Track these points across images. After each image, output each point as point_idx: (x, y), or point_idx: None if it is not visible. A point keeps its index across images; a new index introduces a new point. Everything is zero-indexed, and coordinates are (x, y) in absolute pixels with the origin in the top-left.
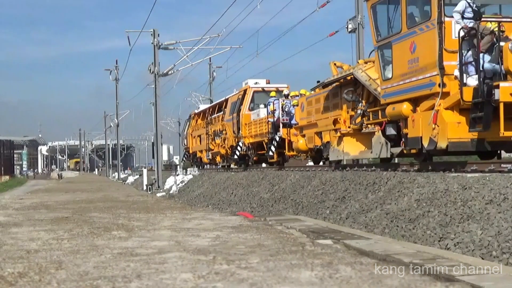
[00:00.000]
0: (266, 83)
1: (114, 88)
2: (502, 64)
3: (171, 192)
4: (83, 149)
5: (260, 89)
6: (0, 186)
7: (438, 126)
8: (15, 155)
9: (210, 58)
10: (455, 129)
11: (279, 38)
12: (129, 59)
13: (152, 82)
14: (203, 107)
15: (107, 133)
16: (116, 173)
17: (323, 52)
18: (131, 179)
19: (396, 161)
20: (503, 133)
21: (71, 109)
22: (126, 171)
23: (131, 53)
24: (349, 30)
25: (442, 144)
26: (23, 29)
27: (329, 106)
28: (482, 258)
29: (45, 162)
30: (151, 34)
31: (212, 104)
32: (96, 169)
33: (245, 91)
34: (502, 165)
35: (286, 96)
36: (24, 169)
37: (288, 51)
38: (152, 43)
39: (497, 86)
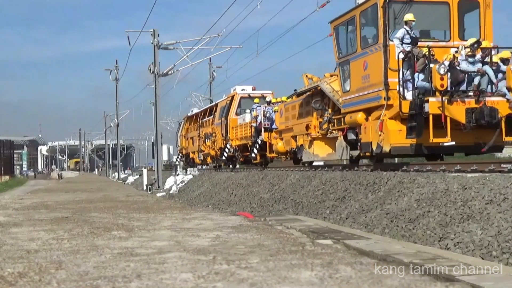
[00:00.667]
0: (252, 90)
1: (114, 88)
2: (431, 82)
3: (171, 192)
4: (83, 149)
5: (247, 95)
6: (0, 186)
7: (383, 133)
8: (15, 155)
9: (210, 58)
10: (396, 136)
11: (279, 38)
12: (129, 59)
13: (152, 82)
14: (195, 110)
15: (107, 133)
16: (116, 173)
17: (323, 52)
18: (131, 179)
19: (396, 161)
20: (432, 140)
21: (71, 109)
22: (126, 171)
23: (131, 53)
24: None
25: (386, 148)
26: (23, 29)
27: (302, 113)
28: (482, 258)
29: (45, 162)
30: (151, 34)
31: (204, 108)
32: (96, 169)
33: (232, 97)
34: (502, 165)
35: (269, 103)
36: (24, 169)
37: (288, 51)
38: (152, 43)
39: (427, 101)
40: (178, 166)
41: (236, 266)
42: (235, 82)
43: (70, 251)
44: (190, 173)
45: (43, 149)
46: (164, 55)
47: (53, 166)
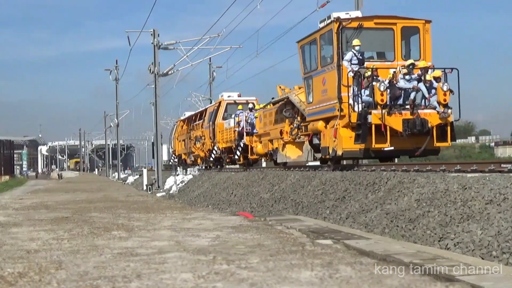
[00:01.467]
0: (238, 96)
1: (114, 88)
2: (374, 97)
3: (171, 192)
4: (83, 149)
5: (233, 101)
6: (0, 186)
7: (337, 139)
8: (15, 155)
9: (210, 58)
10: (347, 142)
11: (279, 38)
12: (129, 59)
13: (152, 82)
14: (188, 114)
15: (107, 133)
16: (116, 173)
17: None
18: (131, 179)
19: (396, 161)
20: (374, 145)
21: (71, 109)
22: (126, 171)
23: (131, 53)
24: None
25: (339, 152)
26: (23, 29)
27: (277, 120)
28: (482, 258)
29: (45, 162)
30: (151, 34)
31: (195, 112)
32: (96, 169)
33: (220, 103)
34: (502, 165)
35: (251, 109)
36: (24, 169)
37: (288, 51)
38: (152, 43)
39: (370, 113)
40: (178, 167)
41: (236, 266)
42: (235, 82)
43: (70, 251)
44: (190, 173)
45: (43, 149)
46: (164, 55)
47: (53, 166)
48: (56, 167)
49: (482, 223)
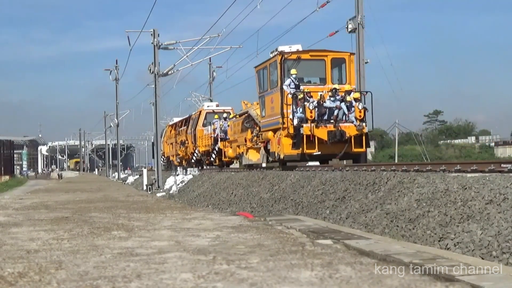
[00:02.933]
0: (216, 106)
1: (114, 88)
2: (305, 114)
3: (171, 192)
4: (83, 149)
5: (211, 110)
6: (0, 186)
7: (280, 146)
8: (15, 155)
9: (210, 58)
10: (287, 148)
11: (279, 38)
12: (129, 59)
13: (152, 82)
14: (176, 119)
15: (107, 133)
16: (116, 173)
17: None
18: (131, 179)
19: (396, 161)
20: (306, 151)
21: (71, 109)
22: (126, 171)
23: (131, 53)
24: (349, 30)
25: (281, 156)
26: (23, 29)
27: (242, 129)
28: (482, 258)
29: (45, 162)
30: (151, 34)
31: (181, 118)
32: (96, 169)
33: (200, 112)
34: (502, 165)
35: (225, 119)
36: (24, 169)
37: None
38: (152, 43)
39: (302, 126)
40: (178, 166)
41: (236, 266)
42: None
43: (70, 251)
44: (190, 173)
45: (43, 149)
46: (164, 55)
47: (53, 166)
48: (56, 167)
49: (482, 223)
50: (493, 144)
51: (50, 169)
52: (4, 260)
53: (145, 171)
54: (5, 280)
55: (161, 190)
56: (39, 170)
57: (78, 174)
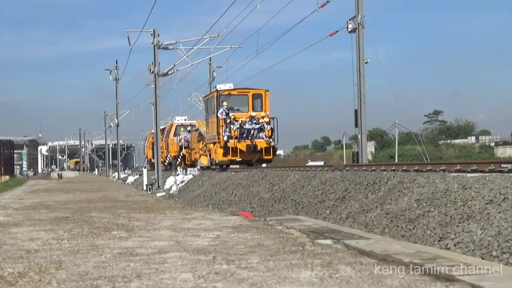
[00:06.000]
0: (184, 120)
1: (114, 88)
2: (231, 133)
3: (171, 192)
4: (83, 149)
5: (180, 123)
6: (0, 186)
7: (215, 154)
8: (15, 155)
9: (210, 58)
10: (220, 156)
11: (279, 38)
12: (129, 59)
13: (152, 82)
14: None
15: (107, 133)
16: (116, 173)
17: (323, 52)
18: (131, 179)
19: (396, 161)
20: (231, 158)
21: (71, 109)
22: (126, 171)
23: (131, 53)
24: (349, 30)
25: (217, 161)
26: (23, 29)
27: (198, 140)
28: (482, 258)
29: (45, 162)
30: (151, 34)
31: (161, 128)
32: (96, 169)
33: (172, 124)
34: (502, 165)
35: (189, 131)
36: (24, 169)
37: (288, 51)
38: (152, 43)
39: (229, 141)
40: (178, 166)
41: (236, 266)
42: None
43: (70, 251)
44: (190, 173)
45: (43, 149)
46: (164, 55)
47: (53, 166)
48: (56, 167)
49: (482, 223)
50: (493, 144)
51: (50, 169)
52: (4, 260)
53: (145, 171)
54: (5, 280)
55: (161, 190)
56: (39, 170)
57: (78, 174)
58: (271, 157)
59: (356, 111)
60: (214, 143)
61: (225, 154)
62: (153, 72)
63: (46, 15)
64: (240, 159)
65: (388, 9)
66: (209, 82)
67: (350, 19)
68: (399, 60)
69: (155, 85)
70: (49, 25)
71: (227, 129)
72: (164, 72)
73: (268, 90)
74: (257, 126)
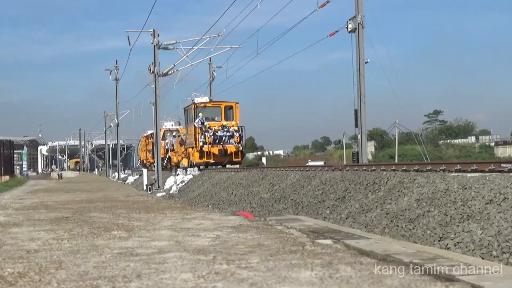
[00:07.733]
0: (171, 126)
1: (114, 88)
2: (205, 139)
3: (171, 192)
4: (83, 149)
5: (168, 129)
6: (0, 186)
7: (193, 157)
8: (15, 155)
9: (210, 58)
10: (197, 158)
11: (279, 38)
12: (129, 59)
13: (152, 82)
14: (149, 132)
15: (107, 133)
16: (116, 173)
17: (323, 52)
18: (131, 179)
19: (396, 161)
20: (205, 160)
21: (71, 109)
22: (126, 171)
23: (131, 53)
24: (349, 30)
25: (194, 163)
26: (23, 29)
27: (180, 144)
28: (482, 258)
29: (45, 162)
30: (151, 34)
31: (151, 132)
32: (96, 169)
33: (160, 129)
34: (502, 165)
35: (174, 136)
36: (24, 169)
37: (288, 51)
38: (152, 43)
39: (203, 146)
40: (173, 167)
41: (236, 266)
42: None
43: (70, 251)
44: (190, 173)
45: (43, 149)
46: (164, 55)
47: (53, 166)
48: (56, 167)
49: (482, 223)
50: (493, 144)
51: (50, 169)
52: (4, 260)
53: (145, 171)
54: (5, 280)
55: (161, 190)
56: (39, 170)
57: (78, 174)
58: (240, 159)
59: (356, 111)
60: (192, 148)
61: (200, 157)
62: (153, 72)
63: (46, 15)
64: (214, 161)
65: (388, 9)
66: (209, 82)
67: (350, 19)
68: (399, 60)
69: (155, 85)
70: (49, 25)
71: (203, 136)
72: (164, 72)
73: (238, 103)
74: (228, 134)
